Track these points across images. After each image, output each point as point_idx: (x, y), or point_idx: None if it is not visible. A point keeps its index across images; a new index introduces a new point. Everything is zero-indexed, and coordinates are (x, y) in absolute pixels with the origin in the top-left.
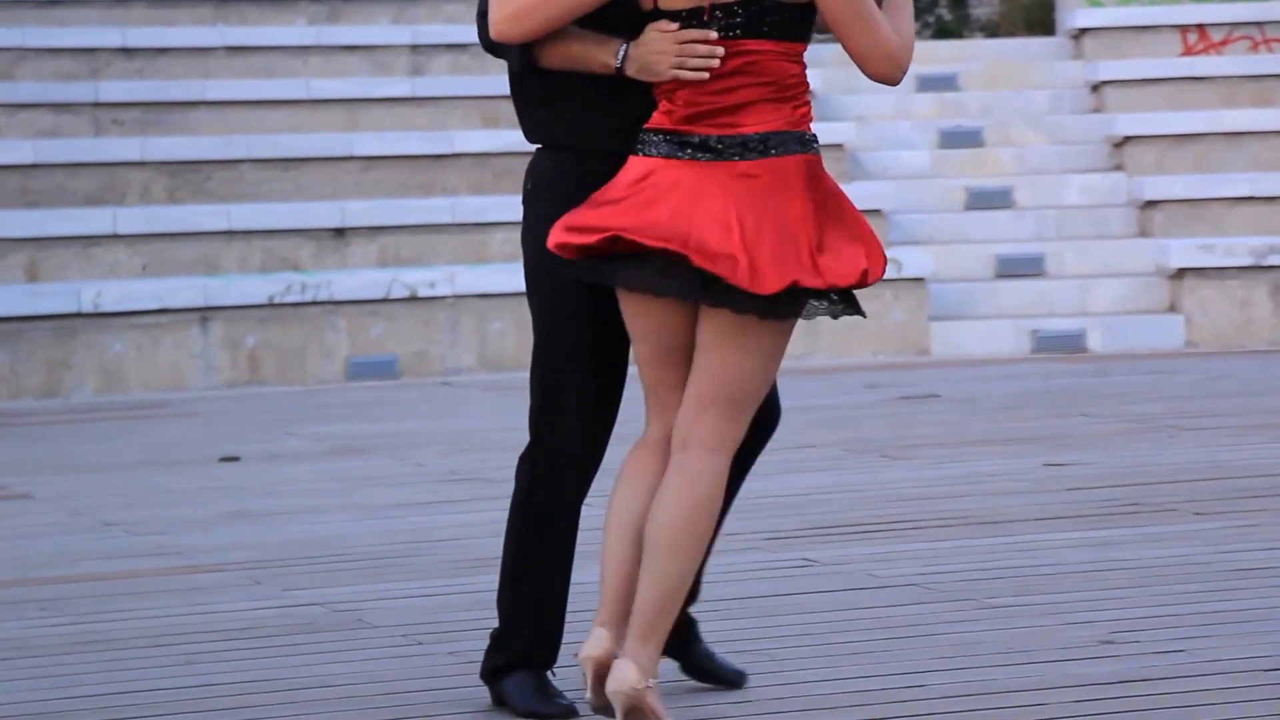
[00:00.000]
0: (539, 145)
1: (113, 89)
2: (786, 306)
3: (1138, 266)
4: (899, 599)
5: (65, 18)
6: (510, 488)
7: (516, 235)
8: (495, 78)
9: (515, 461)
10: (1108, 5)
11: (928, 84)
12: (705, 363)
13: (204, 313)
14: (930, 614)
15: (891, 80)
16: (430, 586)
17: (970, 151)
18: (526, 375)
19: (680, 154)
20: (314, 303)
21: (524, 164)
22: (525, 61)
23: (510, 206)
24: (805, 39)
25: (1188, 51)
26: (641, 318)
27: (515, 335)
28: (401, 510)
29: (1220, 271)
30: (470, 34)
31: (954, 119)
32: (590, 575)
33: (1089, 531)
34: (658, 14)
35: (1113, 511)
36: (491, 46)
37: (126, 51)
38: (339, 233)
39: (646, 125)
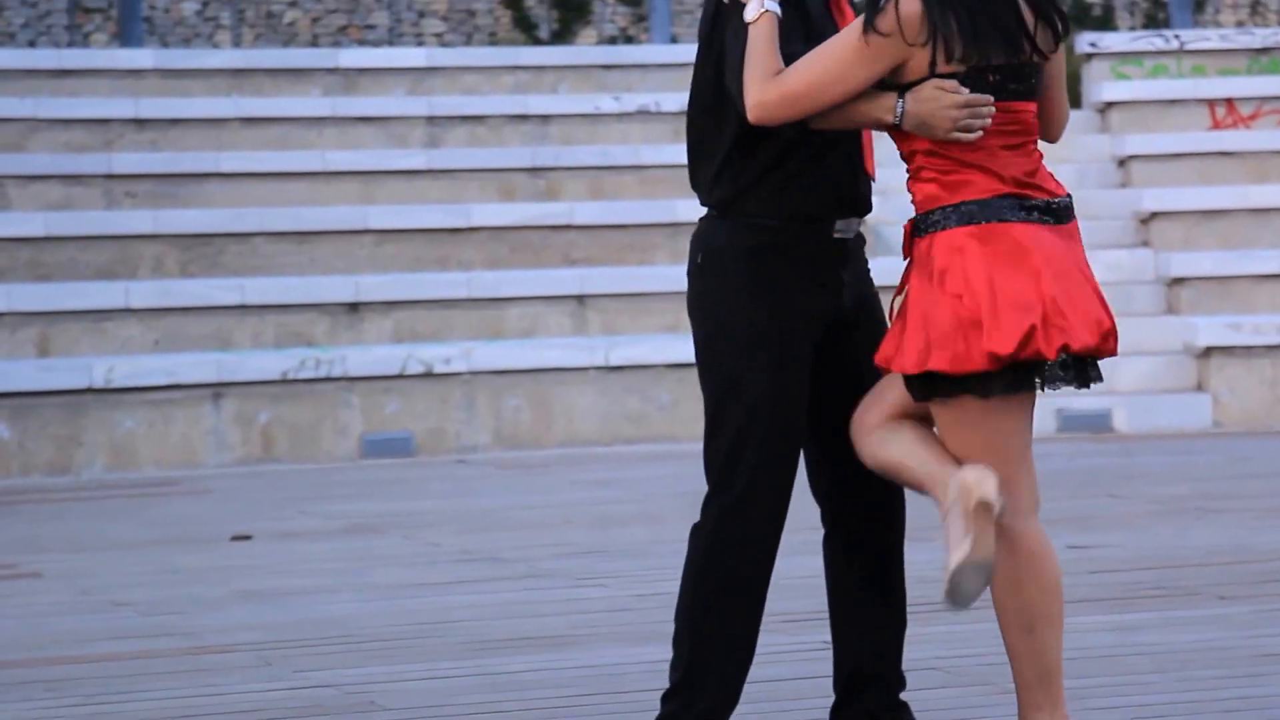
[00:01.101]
0: (714, 213)
1: (125, 160)
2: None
3: (1164, 344)
4: (918, 683)
5: (77, 88)
6: (524, 567)
7: (532, 310)
8: (513, 150)
9: (530, 541)
10: (1135, 78)
11: None
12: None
13: (216, 389)
14: (950, 699)
15: (1058, 140)
16: (443, 669)
17: None
18: (542, 453)
19: (1030, 217)
20: (328, 379)
21: (540, 237)
22: (800, 130)
23: (526, 281)
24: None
25: (1216, 126)
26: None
27: (531, 412)
28: (415, 590)
29: (1249, 350)
30: (488, 105)
31: None
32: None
33: (1113, 615)
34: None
35: (1137, 595)
36: (761, 119)
37: (139, 122)
38: (353, 307)
39: (953, 200)
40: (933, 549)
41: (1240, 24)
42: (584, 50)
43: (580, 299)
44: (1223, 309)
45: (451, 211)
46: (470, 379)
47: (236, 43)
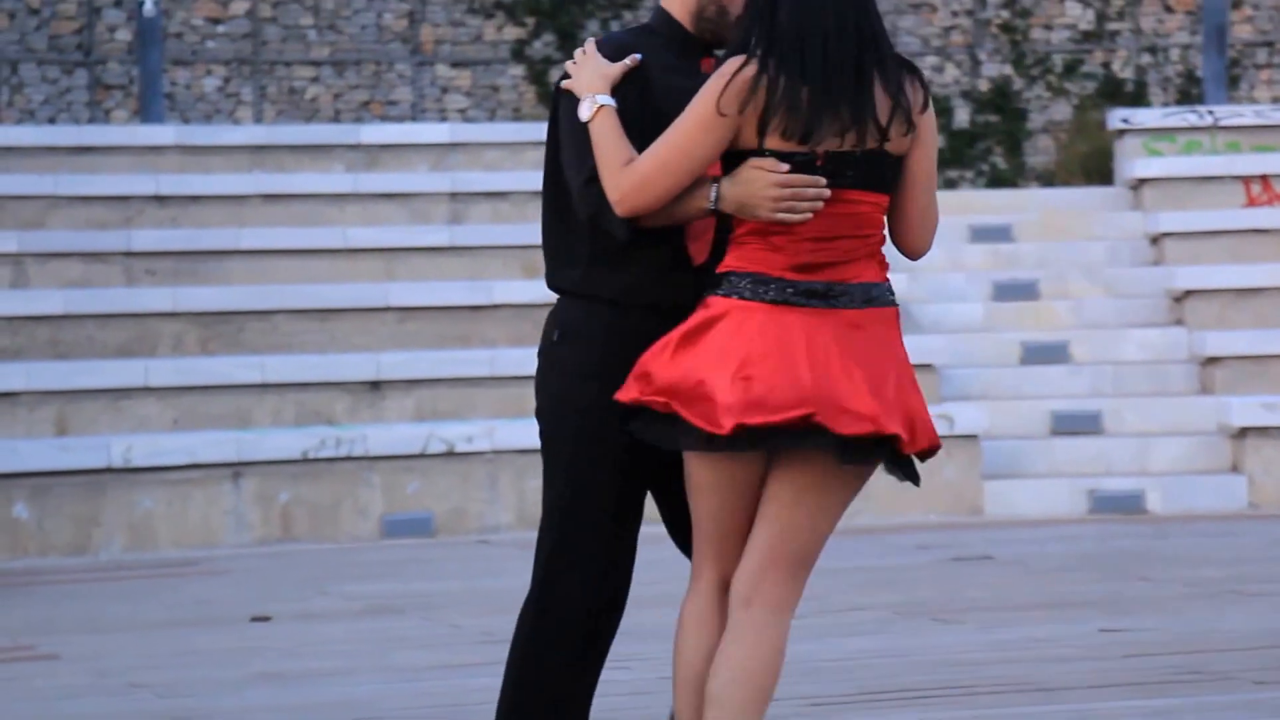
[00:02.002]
0: (564, 294)
1: (145, 237)
2: (861, 453)
3: (1199, 425)
4: None
5: (97, 164)
6: None
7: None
8: (536, 226)
9: None
10: (1168, 154)
11: (981, 235)
12: (778, 519)
13: (236, 468)
14: None
15: (921, 253)
16: None
17: (1025, 304)
18: None
19: (794, 300)
20: (348, 458)
21: None
22: (630, 228)
23: None
24: (893, 192)
25: (1251, 203)
26: (710, 471)
27: None
28: (435, 672)
29: None
30: (510, 181)
31: (1008, 271)
32: None
33: (1146, 700)
34: (763, 152)
35: (1171, 679)
36: (593, 217)
37: (160, 199)
38: (375, 385)
39: (735, 269)
40: (961, 630)
41: (1276, 100)
42: None
43: None
44: (1257, 389)
45: (474, 288)
46: (493, 458)
47: (258, 119)
